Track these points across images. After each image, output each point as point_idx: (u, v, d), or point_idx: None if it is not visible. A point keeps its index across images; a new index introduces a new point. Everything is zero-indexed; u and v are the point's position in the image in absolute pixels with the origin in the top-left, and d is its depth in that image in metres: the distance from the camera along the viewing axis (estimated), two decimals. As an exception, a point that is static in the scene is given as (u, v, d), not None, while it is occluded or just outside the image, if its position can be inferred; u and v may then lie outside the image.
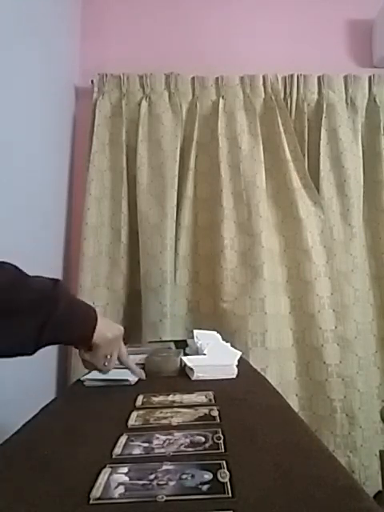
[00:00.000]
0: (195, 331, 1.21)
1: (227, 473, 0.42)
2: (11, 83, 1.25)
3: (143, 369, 0.96)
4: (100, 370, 0.77)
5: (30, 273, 0.62)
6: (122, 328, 0.78)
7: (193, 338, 1.18)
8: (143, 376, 0.88)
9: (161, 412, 0.65)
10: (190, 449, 0.50)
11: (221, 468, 0.43)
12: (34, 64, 1.43)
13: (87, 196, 1.69)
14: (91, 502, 0.38)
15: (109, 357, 0.75)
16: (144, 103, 1.79)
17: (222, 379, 0.88)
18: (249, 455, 0.47)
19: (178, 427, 0.57)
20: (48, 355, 1.54)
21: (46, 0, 1.56)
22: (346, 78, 1.85)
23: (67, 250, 1.74)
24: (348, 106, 1.84)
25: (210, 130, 1.80)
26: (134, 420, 0.62)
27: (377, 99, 1.84)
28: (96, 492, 0.40)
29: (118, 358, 0.79)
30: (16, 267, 0.60)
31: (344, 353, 1.61)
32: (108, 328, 0.73)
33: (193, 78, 1.84)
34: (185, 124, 1.81)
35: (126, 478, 0.42)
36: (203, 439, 0.52)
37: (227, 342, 1.22)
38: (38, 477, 0.44)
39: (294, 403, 1.57)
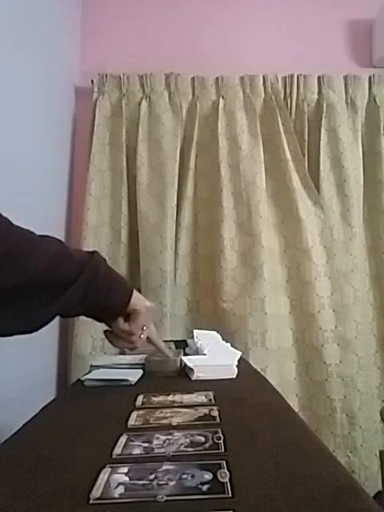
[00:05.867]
0: (195, 331, 1.21)
1: (227, 473, 0.42)
2: (11, 83, 1.25)
3: (143, 369, 0.96)
4: (131, 347, 0.77)
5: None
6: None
7: (193, 337, 1.18)
8: (171, 355, 0.93)
9: (161, 412, 0.65)
10: (190, 449, 0.49)
11: (221, 468, 0.43)
12: (34, 64, 1.43)
13: (87, 196, 1.69)
14: (91, 501, 0.38)
15: (145, 328, 0.76)
16: (144, 103, 1.79)
17: (222, 379, 0.88)
18: (249, 455, 0.47)
19: (178, 427, 0.57)
20: (48, 355, 1.54)
21: (45, 0, 1.56)
22: (346, 77, 1.85)
23: (67, 249, 1.73)
24: (348, 106, 1.84)
25: (210, 130, 1.80)
26: (134, 420, 0.62)
27: (377, 99, 1.84)
28: (96, 492, 0.40)
29: (148, 337, 0.79)
30: (59, 239, 0.64)
31: (344, 353, 1.61)
32: (143, 297, 0.77)
33: (193, 78, 1.84)
34: (185, 124, 1.81)
35: (126, 478, 0.42)
36: (203, 439, 0.52)
37: (227, 342, 1.22)
38: (38, 476, 0.44)
39: (293, 403, 1.57)
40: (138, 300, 0.74)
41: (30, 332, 0.60)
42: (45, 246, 0.61)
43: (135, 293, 0.75)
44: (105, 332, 0.78)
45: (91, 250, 0.71)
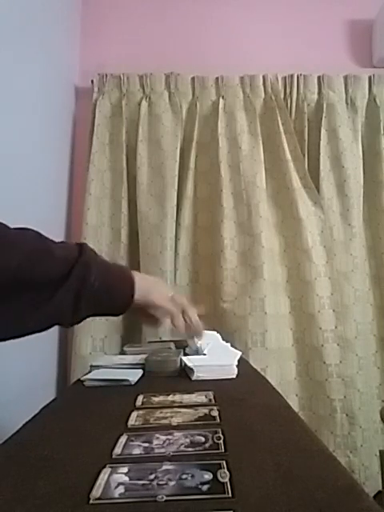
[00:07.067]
0: (195, 331, 1.20)
1: (227, 473, 0.42)
2: (11, 83, 1.25)
3: (143, 369, 0.96)
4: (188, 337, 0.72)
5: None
6: (160, 280, 0.70)
7: (193, 337, 1.18)
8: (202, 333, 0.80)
9: (161, 412, 0.65)
10: (190, 449, 0.49)
11: (221, 468, 0.43)
12: (34, 64, 1.43)
13: (87, 196, 1.69)
14: (91, 501, 0.38)
15: (185, 310, 0.69)
16: (144, 103, 1.79)
17: (222, 379, 0.88)
18: (249, 455, 0.47)
19: (178, 427, 0.57)
20: (48, 356, 1.54)
21: (45, 0, 1.56)
22: (346, 78, 1.86)
23: (67, 249, 1.73)
24: (348, 106, 1.84)
25: (210, 130, 1.80)
26: (134, 420, 0.62)
27: (377, 99, 1.85)
28: (96, 492, 0.40)
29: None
30: (38, 233, 0.55)
31: (344, 353, 1.61)
32: (149, 283, 0.66)
33: (193, 78, 1.84)
34: (185, 124, 1.81)
35: (126, 478, 0.42)
36: (203, 439, 0.52)
37: (227, 341, 1.22)
38: (38, 477, 0.44)
39: (293, 403, 1.57)
40: (142, 290, 0.63)
41: (16, 337, 0.52)
42: (18, 241, 0.51)
43: (138, 282, 0.63)
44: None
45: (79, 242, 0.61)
